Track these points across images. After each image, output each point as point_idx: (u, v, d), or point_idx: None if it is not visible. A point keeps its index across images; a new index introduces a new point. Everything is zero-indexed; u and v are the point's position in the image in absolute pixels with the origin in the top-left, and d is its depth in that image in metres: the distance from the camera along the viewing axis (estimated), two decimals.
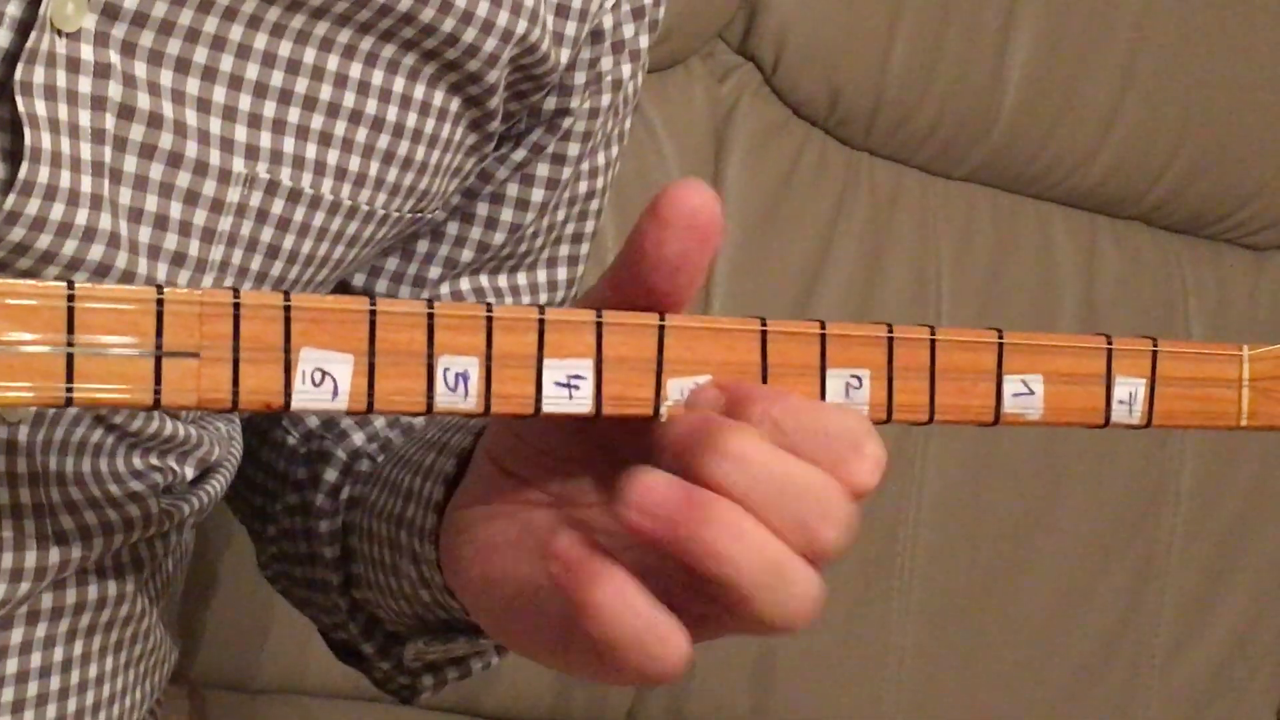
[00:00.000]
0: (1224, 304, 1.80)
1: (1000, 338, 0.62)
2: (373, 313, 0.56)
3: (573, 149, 0.89)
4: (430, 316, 0.57)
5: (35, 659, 0.77)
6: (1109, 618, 1.75)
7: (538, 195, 0.89)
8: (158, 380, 0.54)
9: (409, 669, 0.85)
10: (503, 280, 0.91)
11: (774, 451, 0.56)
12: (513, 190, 0.89)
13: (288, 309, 0.55)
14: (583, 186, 0.92)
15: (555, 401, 0.58)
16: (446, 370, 0.57)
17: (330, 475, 0.86)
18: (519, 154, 0.88)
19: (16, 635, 0.76)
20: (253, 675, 1.40)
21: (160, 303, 0.54)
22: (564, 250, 0.93)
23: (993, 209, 1.70)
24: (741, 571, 0.55)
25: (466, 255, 0.90)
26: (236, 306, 0.55)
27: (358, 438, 0.87)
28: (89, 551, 0.76)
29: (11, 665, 0.76)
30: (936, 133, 1.64)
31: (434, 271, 0.90)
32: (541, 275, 0.93)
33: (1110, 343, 0.64)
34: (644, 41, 0.89)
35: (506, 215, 0.89)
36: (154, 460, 0.80)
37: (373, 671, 0.88)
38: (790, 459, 0.56)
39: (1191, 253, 1.82)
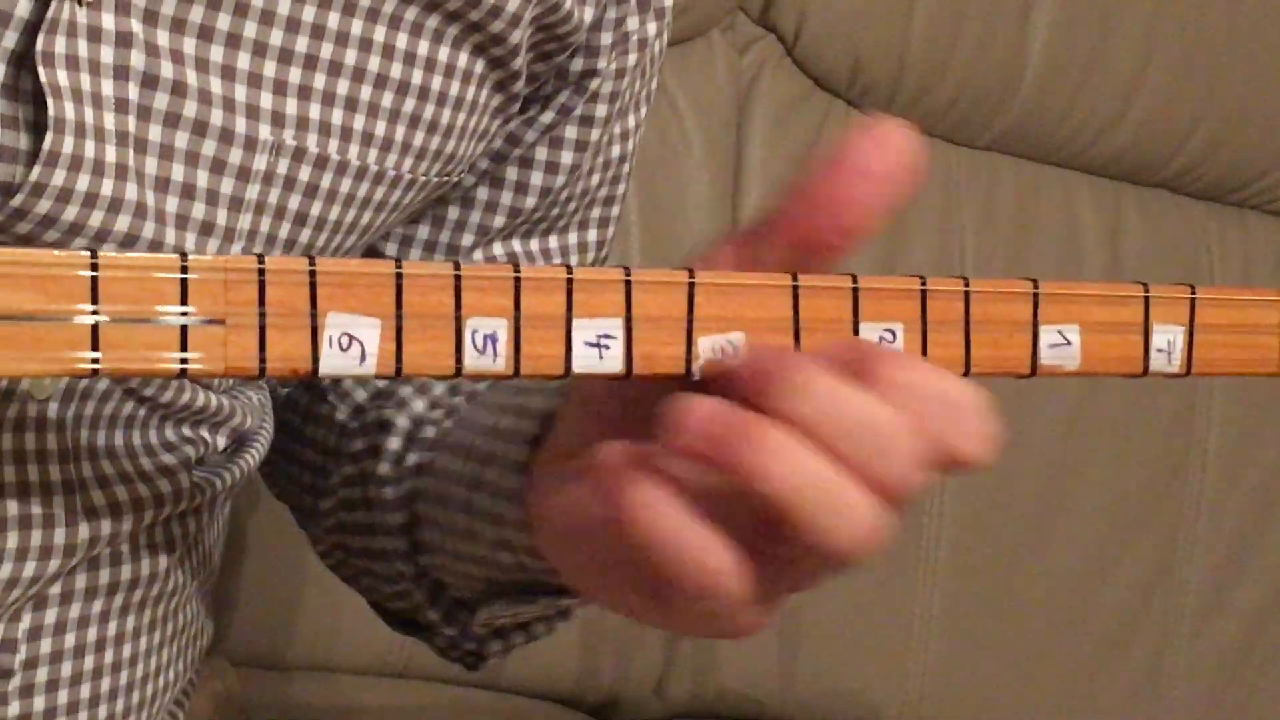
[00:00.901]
0: (1250, 270, 1.80)
1: (1035, 288, 0.62)
2: (399, 275, 0.56)
3: (600, 110, 0.88)
4: (457, 278, 0.56)
5: (69, 639, 0.77)
6: (1136, 586, 1.75)
7: (567, 158, 0.89)
8: (184, 348, 0.54)
9: (476, 635, 0.84)
10: (535, 244, 0.91)
11: (842, 388, 0.55)
12: (541, 154, 0.89)
13: (313, 274, 0.55)
14: (615, 150, 0.91)
15: (585, 362, 0.58)
16: (475, 332, 0.56)
17: (393, 444, 0.85)
18: (547, 116, 0.88)
19: (50, 615, 0.76)
20: (284, 653, 1.40)
21: (184, 269, 0.54)
22: (596, 212, 0.93)
23: (1016, 178, 1.70)
24: (790, 489, 0.54)
25: (498, 221, 0.89)
26: (261, 272, 0.54)
27: (419, 404, 0.86)
28: (119, 527, 0.76)
29: (46, 645, 0.76)
30: (959, 102, 1.63)
31: (466, 239, 0.89)
32: (573, 238, 0.92)
33: (1147, 290, 0.63)
34: None
35: (536, 179, 0.89)
36: (186, 431, 0.80)
37: (435, 639, 0.87)
38: (859, 396, 0.56)
39: (1217, 219, 1.81)
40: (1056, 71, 1.66)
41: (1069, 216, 1.71)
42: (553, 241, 0.92)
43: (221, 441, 0.82)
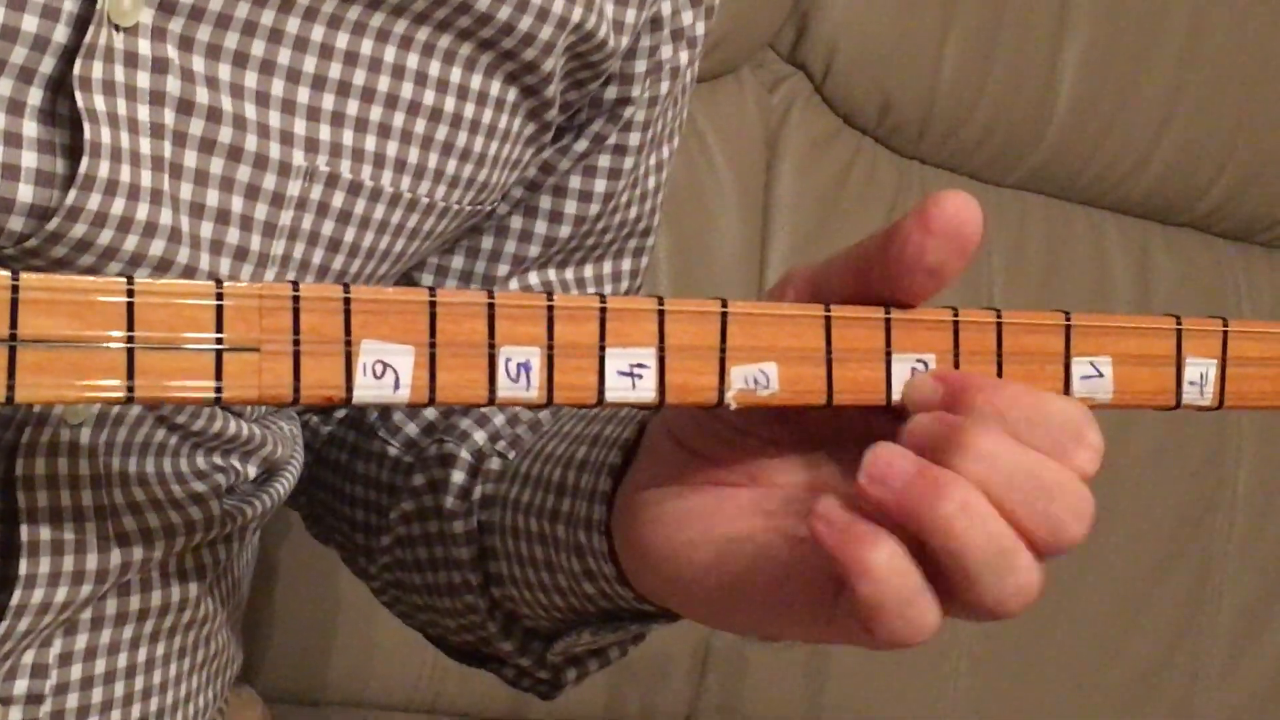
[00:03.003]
0: (1279, 310, 1.79)
1: (1068, 319, 0.62)
2: (432, 304, 0.56)
3: (634, 139, 0.89)
4: (491, 306, 0.56)
5: (100, 664, 0.77)
6: (1167, 625, 1.74)
7: (600, 186, 0.89)
8: (218, 375, 0.54)
9: (551, 664, 0.84)
10: (570, 274, 0.91)
11: (1022, 449, 0.57)
12: (575, 182, 0.89)
13: (347, 301, 0.55)
14: (651, 181, 0.92)
15: (618, 391, 0.57)
16: (508, 361, 0.56)
17: (457, 477, 0.85)
18: (580, 145, 0.88)
19: (81, 641, 0.76)
20: (317, 688, 1.40)
21: (220, 296, 0.54)
22: (632, 243, 0.93)
23: (1045, 217, 1.70)
24: (970, 549, 0.56)
25: (533, 250, 0.89)
26: (296, 299, 0.54)
27: (479, 436, 0.86)
28: (151, 554, 0.76)
29: (76, 671, 0.76)
30: (988, 141, 1.63)
31: (502, 269, 0.90)
32: (608, 266, 0.93)
33: (1179, 323, 0.63)
34: (701, 29, 0.89)
35: (570, 208, 0.89)
36: (217, 460, 0.80)
37: (505, 670, 0.87)
38: (1038, 456, 0.57)
39: (1245, 259, 1.81)
40: (1085, 110, 1.66)
41: (1098, 255, 1.71)
42: (588, 271, 0.92)
43: (252, 470, 0.82)
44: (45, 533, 0.72)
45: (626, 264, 0.93)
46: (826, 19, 1.53)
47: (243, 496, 0.82)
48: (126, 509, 0.75)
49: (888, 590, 0.56)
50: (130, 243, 0.68)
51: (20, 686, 0.74)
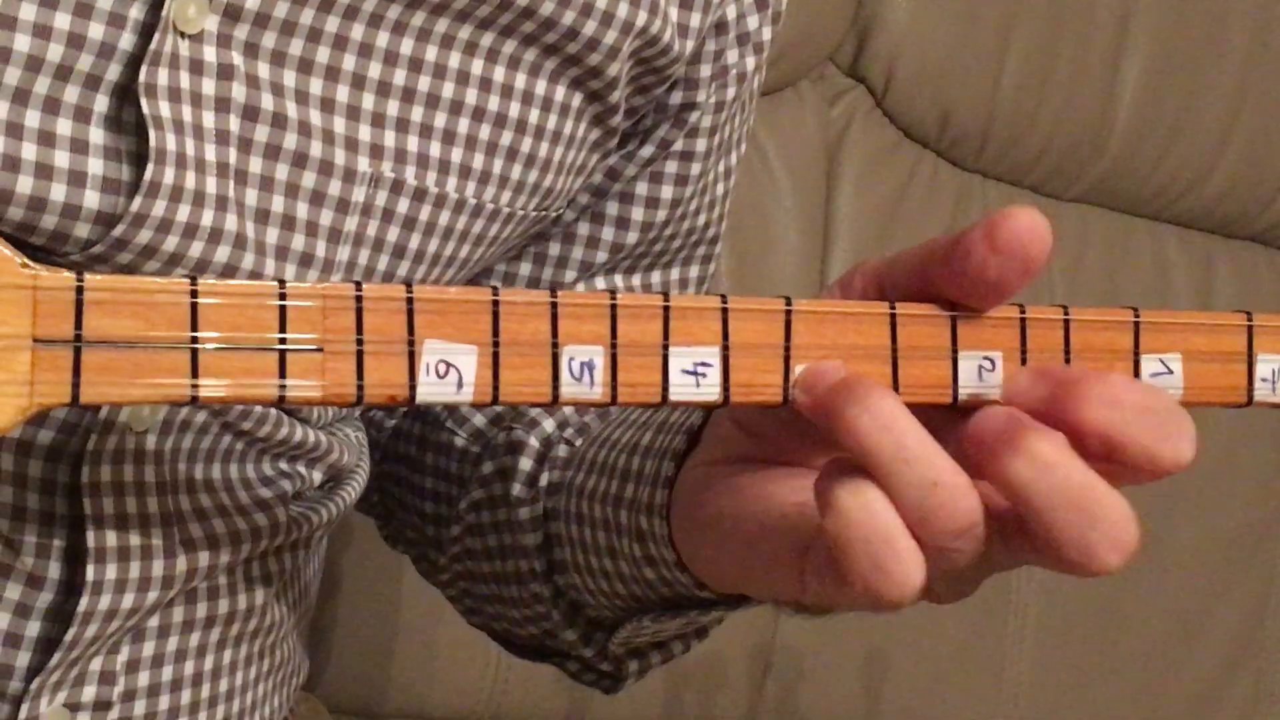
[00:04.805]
0: None
1: (1136, 316, 0.61)
2: (495, 303, 0.56)
3: (700, 145, 0.88)
4: (554, 305, 0.56)
5: (167, 672, 0.77)
6: (1226, 647, 1.73)
7: (667, 193, 0.89)
8: (282, 375, 0.54)
9: (613, 655, 0.84)
10: (637, 279, 0.91)
11: (1077, 461, 0.56)
12: (642, 189, 0.89)
13: (410, 300, 0.55)
14: (720, 188, 0.92)
15: (682, 390, 0.57)
16: (572, 360, 0.56)
17: (525, 464, 0.85)
18: (646, 150, 0.88)
19: (148, 648, 0.76)
20: (378, 699, 1.40)
21: (283, 297, 0.54)
22: (700, 250, 0.93)
23: (1106, 230, 1.69)
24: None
25: (600, 256, 0.89)
26: (359, 299, 0.54)
27: (548, 424, 0.86)
28: (217, 560, 0.76)
29: (144, 678, 0.76)
30: (1048, 153, 1.62)
31: (569, 275, 0.90)
32: (675, 273, 0.93)
33: (1250, 319, 0.63)
34: (767, 34, 0.88)
35: (637, 214, 0.89)
36: (283, 466, 0.80)
37: (568, 663, 0.87)
38: (1091, 473, 0.56)
39: None
40: (1146, 123, 1.65)
41: (1159, 269, 1.70)
42: (655, 277, 0.92)
43: (318, 477, 0.82)
44: (112, 539, 0.72)
45: (694, 271, 0.93)
46: (887, 33, 1.52)
47: (309, 503, 0.82)
48: (192, 515, 0.75)
49: (851, 527, 0.56)
50: (195, 249, 0.69)
51: (88, 693, 0.75)
